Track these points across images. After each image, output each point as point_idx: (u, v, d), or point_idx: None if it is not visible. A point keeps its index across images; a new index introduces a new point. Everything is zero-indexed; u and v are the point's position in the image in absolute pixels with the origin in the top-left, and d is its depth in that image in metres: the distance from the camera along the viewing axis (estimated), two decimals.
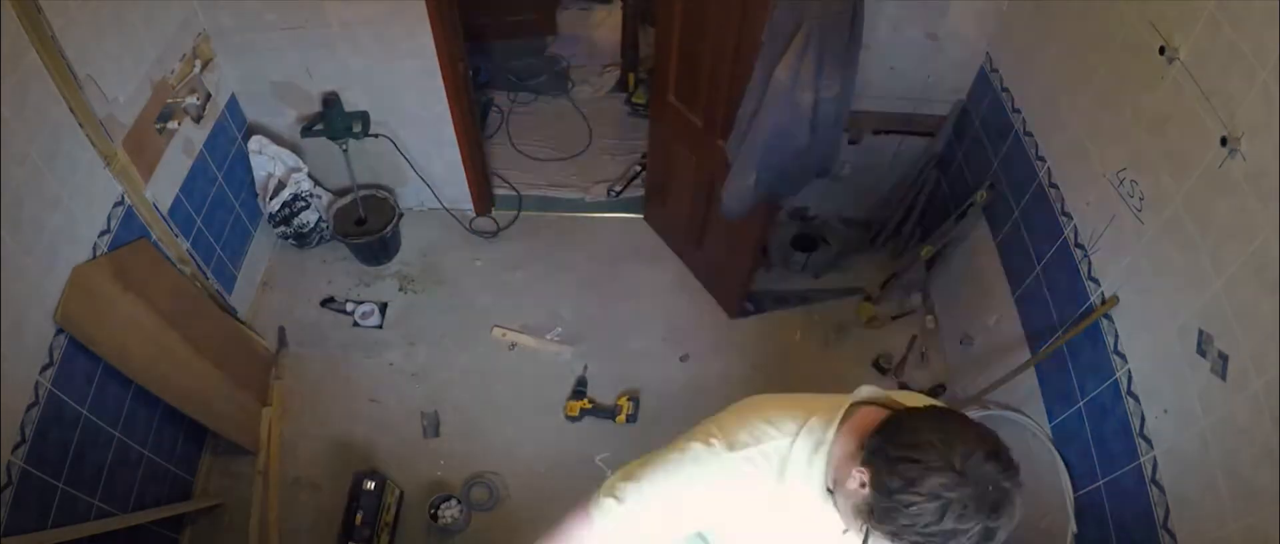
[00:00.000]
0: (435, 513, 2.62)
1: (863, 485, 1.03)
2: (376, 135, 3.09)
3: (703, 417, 1.28)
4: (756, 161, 2.29)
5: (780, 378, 3.08)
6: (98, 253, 2.18)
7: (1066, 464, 2.17)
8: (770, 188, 2.44)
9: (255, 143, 3.03)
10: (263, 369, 2.97)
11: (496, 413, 2.96)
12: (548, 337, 3.18)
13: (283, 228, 3.22)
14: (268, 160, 3.06)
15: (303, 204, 3.18)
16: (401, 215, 3.38)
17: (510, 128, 4.01)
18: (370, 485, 2.50)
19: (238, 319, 2.97)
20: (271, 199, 3.08)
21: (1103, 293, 2.05)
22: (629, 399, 2.96)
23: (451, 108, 3.04)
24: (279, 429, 2.85)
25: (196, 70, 2.64)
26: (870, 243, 3.49)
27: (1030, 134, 2.45)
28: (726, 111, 2.47)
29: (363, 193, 3.29)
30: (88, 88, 2.11)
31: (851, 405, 1.16)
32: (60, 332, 2.01)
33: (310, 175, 3.20)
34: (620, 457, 2.85)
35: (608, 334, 3.20)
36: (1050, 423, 2.27)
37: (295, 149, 3.15)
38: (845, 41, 2.02)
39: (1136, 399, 1.89)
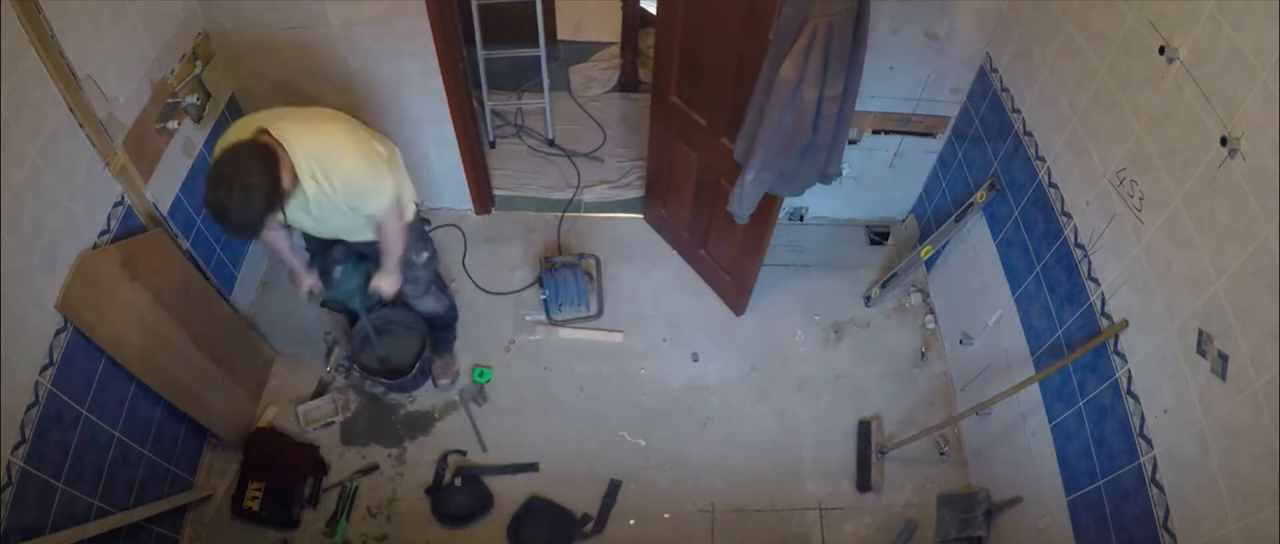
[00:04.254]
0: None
1: None
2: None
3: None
4: (761, 161, 2.29)
5: (780, 377, 3.09)
6: None
7: (1067, 464, 2.17)
8: (773, 187, 2.43)
9: None
10: (263, 368, 2.97)
11: (497, 412, 2.96)
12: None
13: None
14: None
15: None
16: None
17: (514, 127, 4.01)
18: None
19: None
20: None
21: (1103, 292, 2.06)
22: None
23: (451, 108, 3.03)
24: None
25: (196, 70, 2.64)
26: (870, 243, 3.49)
27: (1030, 134, 2.45)
28: (731, 110, 2.47)
29: None
30: (88, 88, 2.10)
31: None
32: (60, 331, 2.01)
33: None
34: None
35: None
36: (1050, 423, 2.27)
37: None
38: (850, 41, 2.02)
39: (1136, 399, 1.89)
